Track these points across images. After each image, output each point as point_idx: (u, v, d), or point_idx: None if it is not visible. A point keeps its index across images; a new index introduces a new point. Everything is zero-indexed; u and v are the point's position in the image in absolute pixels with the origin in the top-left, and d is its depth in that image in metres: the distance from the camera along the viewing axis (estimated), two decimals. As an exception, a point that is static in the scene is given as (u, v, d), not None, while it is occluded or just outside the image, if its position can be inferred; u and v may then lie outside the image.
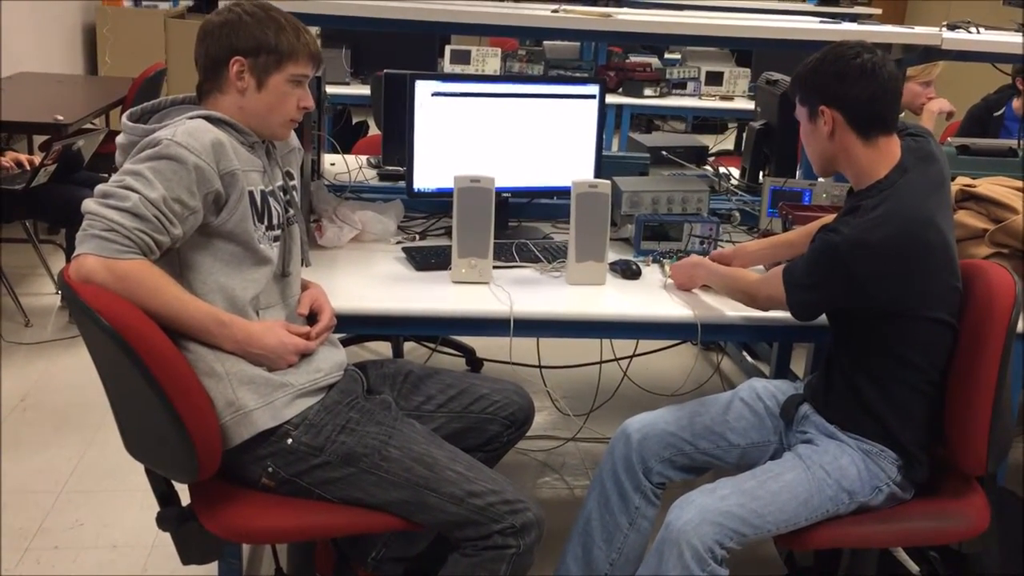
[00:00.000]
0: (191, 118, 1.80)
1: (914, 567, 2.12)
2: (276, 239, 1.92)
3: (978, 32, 2.80)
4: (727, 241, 2.77)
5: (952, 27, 2.82)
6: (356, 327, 2.91)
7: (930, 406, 1.98)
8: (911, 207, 1.86)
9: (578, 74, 5.51)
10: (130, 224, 1.68)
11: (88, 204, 1.70)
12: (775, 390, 2.22)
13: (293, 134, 2.02)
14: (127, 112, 1.88)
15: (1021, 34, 2.89)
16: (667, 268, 2.46)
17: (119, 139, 1.84)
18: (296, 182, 2.04)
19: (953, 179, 2.44)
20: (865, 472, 1.95)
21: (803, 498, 1.91)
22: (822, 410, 2.06)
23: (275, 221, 1.91)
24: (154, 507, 1.89)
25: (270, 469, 1.85)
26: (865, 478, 1.95)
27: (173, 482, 1.89)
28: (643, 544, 2.11)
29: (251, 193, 1.84)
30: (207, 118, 1.81)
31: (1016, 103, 4.14)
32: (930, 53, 2.66)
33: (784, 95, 2.97)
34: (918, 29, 2.76)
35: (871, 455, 1.97)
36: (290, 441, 1.84)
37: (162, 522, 1.89)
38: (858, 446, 1.98)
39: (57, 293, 4.04)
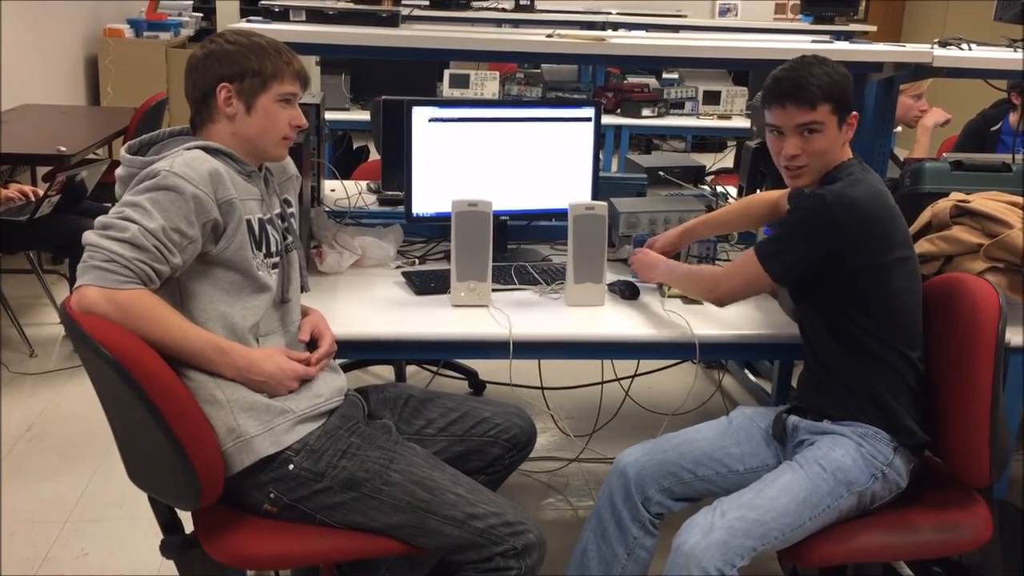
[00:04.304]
0: (188, 149, 1.82)
1: (917, 581, 2.12)
2: (275, 266, 1.94)
3: (970, 49, 2.82)
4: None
5: (944, 44, 2.83)
6: (357, 352, 2.92)
7: (909, 374, 2.03)
8: (873, 174, 2.09)
9: (576, 96, 5.54)
10: (130, 254, 1.70)
11: (88, 236, 1.72)
12: (760, 416, 2.23)
13: (291, 161, 2.04)
14: (126, 145, 1.91)
15: (1013, 50, 2.92)
16: (666, 288, 2.48)
17: (118, 171, 1.86)
18: (294, 209, 2.07)
19: (947, 195, 2.48)
20: (860, 459, 1.97)
21: (801, 497, 1.92)
22: (812, 408, 2.09)
23: (273, 248, 1.93)
24: (159, 535, 1.90)
25: (272, 495, 1.86)
26: (861, 465, 1.97)
27: (176, 510, 1.90)
28: (642, 574, 2.11)
29: (249, 221, 1.86)
30: (204, 148, 1.84)
31: (1012, 118, 4.15)
32: (922, 70, 2.68)
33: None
34: (909, 47, 2.78)
35: (866, 438, 1.99)
36: (291, 467, 1.85)
37: (166, 550, 1.90)
38: (851, 431, 2.00)
39: (61, 323, 4.06)
